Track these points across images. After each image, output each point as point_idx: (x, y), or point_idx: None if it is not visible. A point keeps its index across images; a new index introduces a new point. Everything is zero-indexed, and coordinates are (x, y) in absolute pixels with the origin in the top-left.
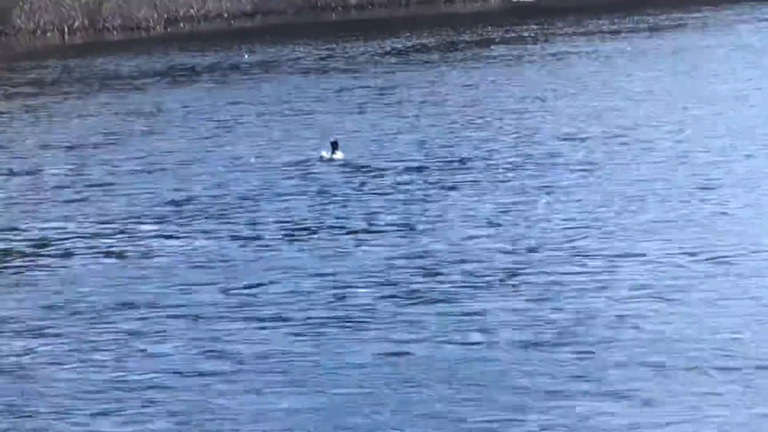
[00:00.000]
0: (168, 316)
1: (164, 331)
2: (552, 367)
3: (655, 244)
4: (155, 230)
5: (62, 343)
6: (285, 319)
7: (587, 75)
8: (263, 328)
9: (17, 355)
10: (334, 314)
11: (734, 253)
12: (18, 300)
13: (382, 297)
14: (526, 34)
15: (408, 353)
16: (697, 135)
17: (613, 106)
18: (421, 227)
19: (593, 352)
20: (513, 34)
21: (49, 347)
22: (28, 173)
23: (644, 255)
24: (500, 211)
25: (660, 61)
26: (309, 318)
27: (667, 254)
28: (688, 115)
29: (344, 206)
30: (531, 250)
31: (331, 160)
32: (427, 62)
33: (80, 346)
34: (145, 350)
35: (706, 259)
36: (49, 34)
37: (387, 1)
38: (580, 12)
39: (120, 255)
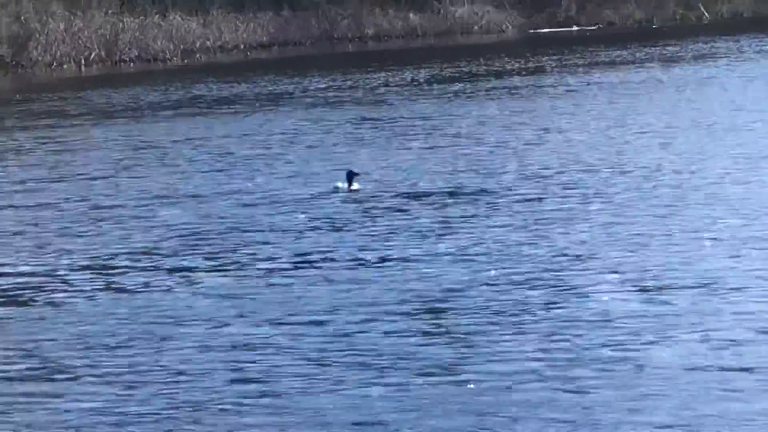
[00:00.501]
0: (180, 351)
1: (176, 367)
2: (541, 409)
3: (664, 281)
4: (166, 263)
5: (71, 379)
6: (299, 355)
7: (604, 105)
8: (277, 363)
9: (25, 393)
10: (345, 348)
11: (743, 287)
12: (27, 334)
13: (394, 331)
14: (542, 64)
15: (415, 387)
16: (713, 167)
17: (629, 137)
18: (434, 260)
19: (587, 392)
20: (529, 65)
21: (58, 383)
22: (37, 205)
23: (649, 290)
24: (514, 244)
25: (676, 92)
26: (322, 351)
27: (672, 289)
28: (705, 147)
29: (359, 238)
30: (542, 284)
31: (350, 191)
32: (443, 93)
33: (90, 383)
34: (157, 387)
35: (712, 294)
36: (65, 66)
37: (403, 33)
38: (594, 42)
39: (129, 289)
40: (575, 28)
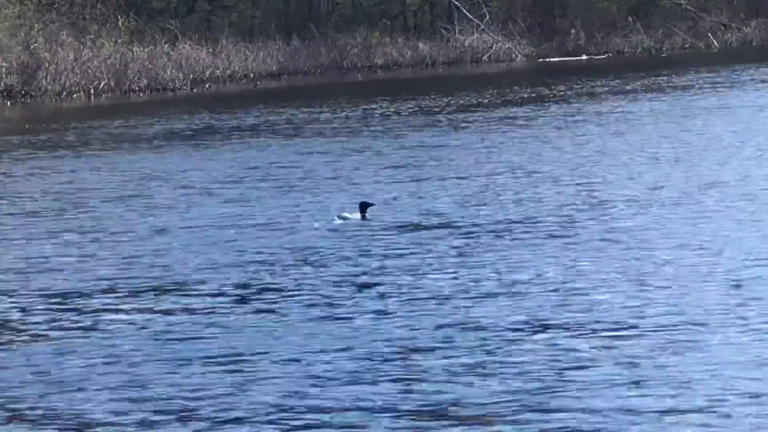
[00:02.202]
0: (166, 393)
1: (165, 410)
2: None
3: (666, 318)
4: (157, 297)
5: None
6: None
7: (611, 136)
8: (273, 406)
9: None
10: (348, 393)
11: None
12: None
13: (396, 377)
14: (552, 93)
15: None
16: (726, 200)
17: (636, 168)
18: (440, 295)
19: None
20: (539, 94)
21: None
22: (28, 238)
23: (640, 327)
24: (516, 280)
25: (685, 121)
26: (323, 396)
27: (674, 325)
28: (711, 178)
29: (364, 272)
30: (548, 321)
31: (363, 219)
32: (453, 122)
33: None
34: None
35: (718, 344)
36: (74, 96)
37: (413, 62)
38: (604, 71)
39: (96, 326)
40: (584, 56)
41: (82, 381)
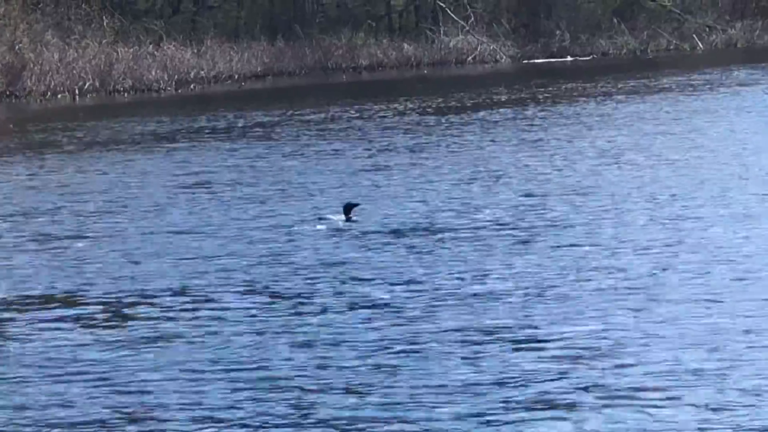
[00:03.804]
0: (149, 396)
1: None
2: None
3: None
4: (120, 303)
5: None
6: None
7: (594, 138)
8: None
9: None
10: (326, 403)
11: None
12: None
13: (374, 388)
14: (536, 95)
15: None
16: (708, 203)
17: (618, 171)
18: (423, 301)
19: None
20: (523, 96)
21: None
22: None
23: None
24: (500, 285)
25: (671, 124)
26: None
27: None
28: (695, 181)
29: (350, 276)
30: (537, 324)
31: (348, 220)
32: (437, 124)
33: None
34: None
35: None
36: (59, 96)
37: (397, 63)
38: (588, 73)
39: (90, 335)
40: (569, 58)
41: (50, 392)
